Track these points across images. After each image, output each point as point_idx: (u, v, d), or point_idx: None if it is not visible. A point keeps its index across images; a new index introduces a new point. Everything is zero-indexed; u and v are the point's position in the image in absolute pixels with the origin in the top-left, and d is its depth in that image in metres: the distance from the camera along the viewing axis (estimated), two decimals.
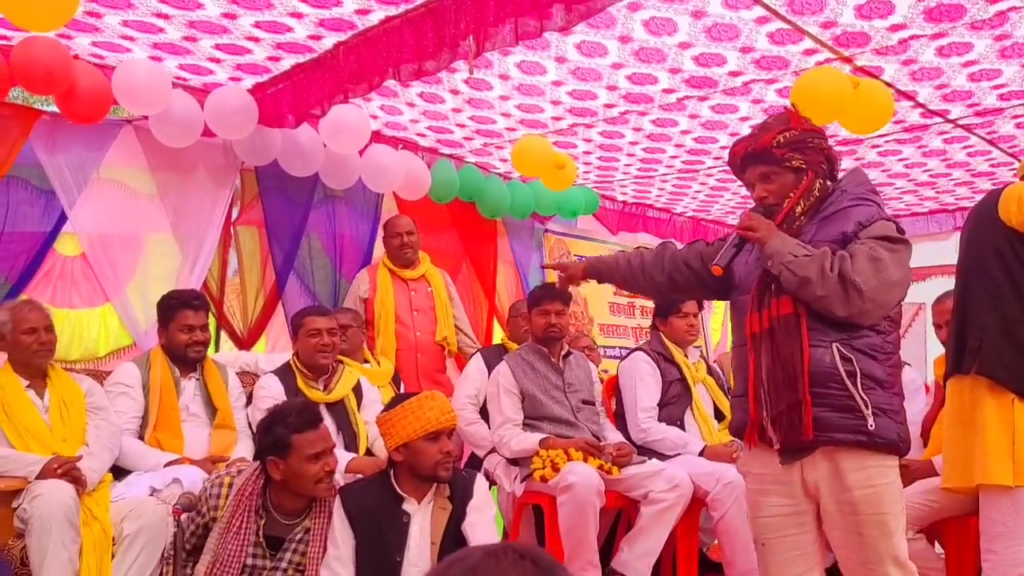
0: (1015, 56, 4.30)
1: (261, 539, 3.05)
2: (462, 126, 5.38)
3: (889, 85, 4.60)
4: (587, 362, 4.95)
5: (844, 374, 2.63)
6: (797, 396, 2.66)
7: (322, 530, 3.10)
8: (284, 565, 3.08)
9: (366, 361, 4.94)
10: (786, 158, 2.82)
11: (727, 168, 6.34)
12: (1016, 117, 5.20)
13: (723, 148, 5.92)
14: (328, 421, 4.18)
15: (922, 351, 8.07)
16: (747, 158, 2.91)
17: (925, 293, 6.12)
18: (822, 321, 2.67)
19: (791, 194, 2.83)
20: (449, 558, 1.18)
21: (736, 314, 3.01)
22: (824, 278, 2.60)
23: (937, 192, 7.20)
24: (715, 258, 2.88)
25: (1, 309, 3.78)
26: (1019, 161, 3.80)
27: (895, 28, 3.91)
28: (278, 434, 3.05)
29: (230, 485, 3.12)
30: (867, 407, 2.62)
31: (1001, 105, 5.02)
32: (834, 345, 2.65)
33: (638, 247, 3.42)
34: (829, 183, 2.88)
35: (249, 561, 3.03)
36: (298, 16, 3.70)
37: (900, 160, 6.21)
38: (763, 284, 2.80)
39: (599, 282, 3.42)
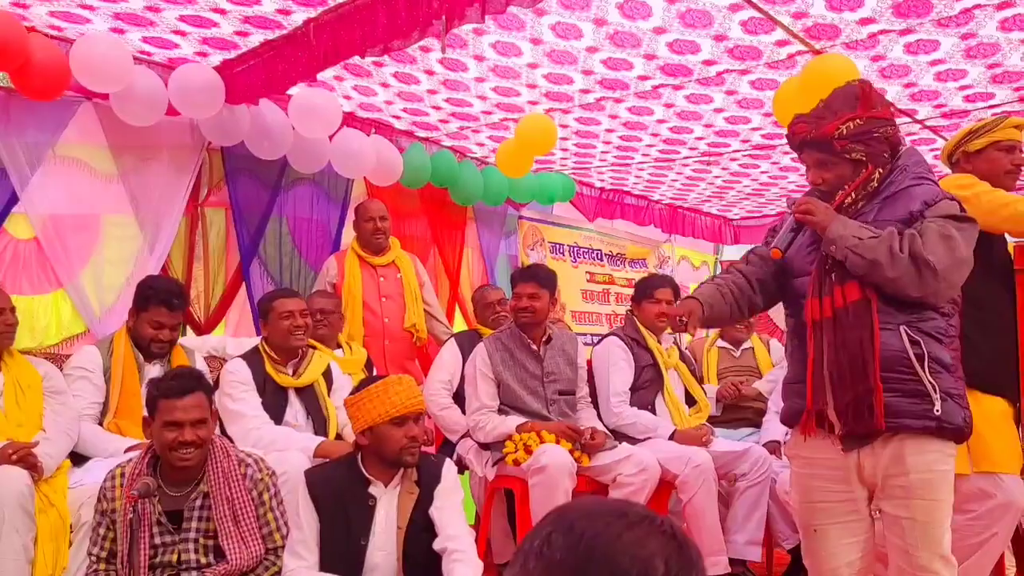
0: (979, 56, 4.28)
1: (161, 517, 3.01)
2: (437, 108, 5.29)
3: None
4: (572, 343, 4.79)
5: (913, 357, 2.56)
6: (868, 384, 2.58)
7: (220, 491, 3.05)
8: (192, 535, 3.03)
9: (339, 347, 4.84)
10: (846, 150, 2.71)
11: (702, 159, 6.39)
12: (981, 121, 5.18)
13: (698, 139, 5.88)
14: (297, 406, 4.15)
15: None
16: (804, 144, 2.80)
17: None
18: (891, 304, 2.60)
19: (846, 185, 2.74)
20: (613, 503, 1.13)
21: (791, 300, 2.90)
22: (894, 259, 2.53)
23: None
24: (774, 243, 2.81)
25: None
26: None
27: (865, 22, 3.90)
28: (150, 395, 3.08)
29: (122, 474, 3.06)
30: (935, 391, 2.56)
31: (967, 107, 5.01)
32: (902, 328, 2.58)
33: (725, 270, 3.15)
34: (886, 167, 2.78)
35: (157, 540, 2.99)
36: None
37: None
38: (822, 270, 2.71)
39: (711, 327, 2.93)
